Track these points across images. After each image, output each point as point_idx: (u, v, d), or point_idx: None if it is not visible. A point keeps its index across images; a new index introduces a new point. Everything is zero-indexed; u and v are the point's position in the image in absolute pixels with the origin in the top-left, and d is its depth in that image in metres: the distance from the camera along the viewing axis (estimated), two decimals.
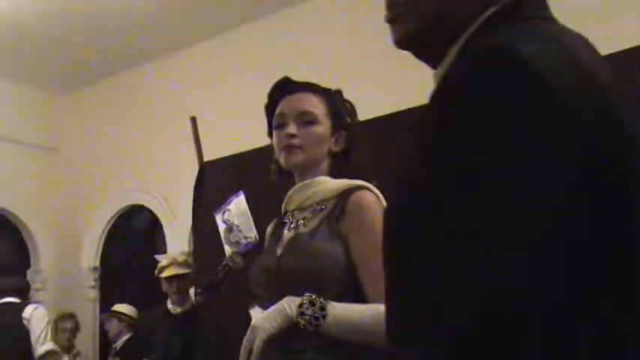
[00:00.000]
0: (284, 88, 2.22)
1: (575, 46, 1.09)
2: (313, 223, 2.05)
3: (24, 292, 5.04)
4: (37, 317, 4.78)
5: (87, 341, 6.36)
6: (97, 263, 6.66)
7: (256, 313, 2.00)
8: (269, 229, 2.30)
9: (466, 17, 1.18)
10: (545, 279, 0.98)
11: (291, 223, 2.14)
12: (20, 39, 5.74)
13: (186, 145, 4.93)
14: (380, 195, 2.07)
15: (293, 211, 2.16)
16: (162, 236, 6.29)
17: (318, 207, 2.08)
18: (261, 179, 4.65)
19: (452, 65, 1.17)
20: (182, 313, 4.83)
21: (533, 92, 0.97)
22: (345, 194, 2.04)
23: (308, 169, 2.12)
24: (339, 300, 1.89)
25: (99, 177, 6.57)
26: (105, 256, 6.69)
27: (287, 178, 2.22)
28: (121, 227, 6.67)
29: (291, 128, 2.11)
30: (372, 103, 4.16)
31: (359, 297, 1.93)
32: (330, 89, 2.24)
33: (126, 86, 6.42)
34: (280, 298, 1.91)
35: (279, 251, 2.07)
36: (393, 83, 4.36)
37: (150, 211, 6.39)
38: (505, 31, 1.10)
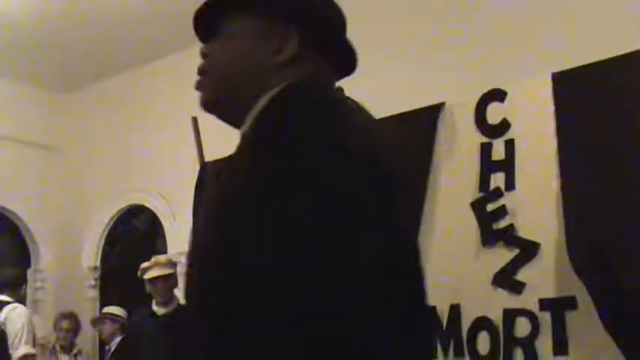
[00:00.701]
0: None
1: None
2: None
3: (15, 288, 4.89)
4: (12, 319, 4.56)
5: (87, 341, 6.35)
6: (98, 263, 6.66)
7: None
8: None
9: (253, 91, 1.39)
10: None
11: None
12: (21, 38, 5.74)
13: (187, 145, 4.94)
14: None
15: None
16: (163, 236, 6.29)
17: None
18: None
19: (256, 125, 1.35)
20: (167, 314, 4.77)
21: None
22: None
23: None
24: None
25: (99, 176, 6.57)
26: (105, 256, 6.69)
27: None
28: (122, 227, 6.67)
29: None
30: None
31: None
32: None
33: (127, 85, 6.42)
34: None
35: None
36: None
37: (150, 211, 6.39)
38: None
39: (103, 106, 6.67)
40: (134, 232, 6.65)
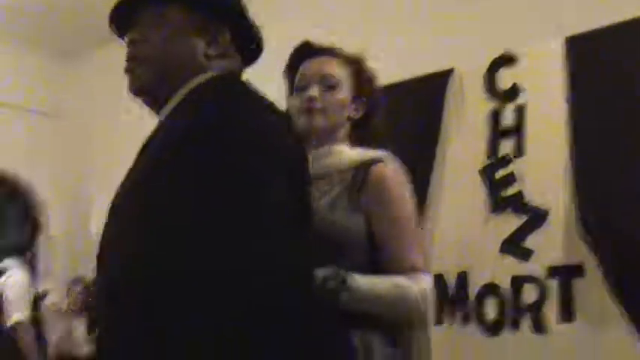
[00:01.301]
0: (305, 51, 2.22)
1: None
2: (332, 195, 2.02)
3: (22, 254, 4.84)
4: (9, 285, 4.36)
5: None
6: None
7: None
8: None
9: (182, 79, 1.55)
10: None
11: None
12: (23, 3, 5.70)
13: None
14: (398, 166, 2.10)
15: (314, 176, 2.12)
16: None
17: (337, 178, 2.05)
18: None
19: (178, 109, 1.52)
20: None
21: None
22: (364, 166, 2.03)
23: (326, 135, 2.10)
24: (360, 272, 1.89)
25: (107, 143, 6.55)
26: None
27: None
28: None
29: (314, 91, 2.09)
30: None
31: (378, 270, 1.94)
32: (353, 55, 2.24)
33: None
34: None
35: None
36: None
37: None
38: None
39: (108, 72, 6.62)
40: None
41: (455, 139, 3.94)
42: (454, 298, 3.80)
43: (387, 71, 4.14)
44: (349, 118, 2.16)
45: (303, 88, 2.12)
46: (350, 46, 4.47)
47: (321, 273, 1.81)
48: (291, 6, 4.87)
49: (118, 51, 6.39)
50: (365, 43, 4.33)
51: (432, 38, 4.07)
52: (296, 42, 2.30)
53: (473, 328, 3.71)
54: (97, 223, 6.58)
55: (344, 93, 2.13)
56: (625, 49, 3.42)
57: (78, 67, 6.80)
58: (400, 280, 1.90)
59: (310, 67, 2.17)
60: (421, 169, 3.96)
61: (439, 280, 3.84)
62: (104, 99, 6.62)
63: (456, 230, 3.85)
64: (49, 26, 6.15)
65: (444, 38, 4.02)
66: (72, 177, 6.79)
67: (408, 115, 4.04)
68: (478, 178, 3.80)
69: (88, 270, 6.23)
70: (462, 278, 3.79)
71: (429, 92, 4.02)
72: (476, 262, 3.76)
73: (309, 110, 2.09)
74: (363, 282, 1.86)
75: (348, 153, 2.10)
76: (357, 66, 2.21)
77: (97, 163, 6.60)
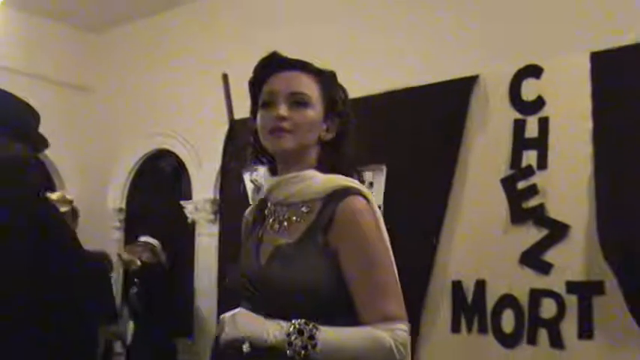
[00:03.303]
0: (273, 63, 2.00)
1: None
2: (299, 231, 1.87)
3: None
4: None
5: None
6: (123, 205, 6.73)
7: (242, 310, 1.84)
8: (248, 216, 2.11)
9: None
10: None
11: (273, 218, 1.95)
12: None
13: (217, 95, 4.90)
14: (370, 197, 1.90)
15: (275, 203, 1.96)
16: (188, 182, 6.32)
17: (303, 207, 1.90)
18: None
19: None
20: None
21: None
22: (332, 197, 1.86)
23: (295, 157, 1.92)
24: (332, 320, 1.76)
25: (128, 118, 6.57)
26: (131, 198, 6.74)
27: (266, 162, 2.02)
28: (148, 170, 6.70)
29: (282, 109, 1.89)
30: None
31: (353, 316, 1.80)
32: (325, 70, 2.02)
33: (160, 28, 6.35)
34: (264, 315, 1.78)
35: (262, 259, 1.90)
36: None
37: (176, 156, 6.40)
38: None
39: (136, 47, 6.61)
40: (160, 176, 6.68)
41: (477, 147, 3.93)
42: (471, 306, 3.84)
43: (413, 73, 4.17)
44: (320, 139, 1.96)
45: (270, 106, 1.92)
46: (376, 48, 4.45)
47: (285, 327, 1.72)
48: (319, 9, 4.83)
49: (148, 26, 6.39)
50: (393, 46, 4.38)
51: (459, 44, 4.05)
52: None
53: (490, 339, 3.75)
54: (113, 198, 6.64)
55: (315, 111, 1.93)
56: None
57: (109, 41, 6.78)
58: (373, 331, 1.75)
59: (279, 82, 1.95)
60: (442, 174, 3.98)
61: (457, 286, 3.88)
62: (129, 74, 6.61)
63: (475, 238, 3.87)
64: (80, 1, 6.12)
65: (471, 44, 4.00)
66: (91, 150, 6.81)
67: (431, 118, 4.04)
68: (499, 188, 3.81)
69: (102, 245, 6.28)
70: (480, 287, 3.82)
71: (453, 97, 4.00)
72: (494, 271, 3.78)
73: (276, 130, 1.89)
74: (333, 335, 1.73)
75: (316, 180, 1.91)
76: (328, 82, 2.00)
77: (120, 138, 6.62)
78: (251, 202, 4.50)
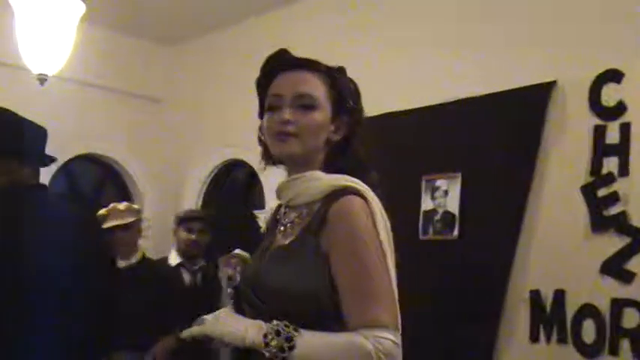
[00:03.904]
0: (279, 62, 1.96)
1: None
2: (295, 233, 1.85)
3: None
4: None
5: None
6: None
7: (225, 310, 1.88)
8: (269, 218, 2.10)
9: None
10: None
11: (281, 222, 1.93)
12: None
13: None
14: (371, 198, 1.82)
15: (286, 206, 1.94)
16: (261, 191, 6.36)
17: (305, 209, 1.86)
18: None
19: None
20: (128, 267, 4.44)
21: None
22: (329, 198, 1.80)
23: (303, 160, 1.88)
24: (324, 325, 1.71)
25: (202, 129, 6.65)
26: (205, 207, 6.82)
27: (276, 164, 2.01)
28: (221, 180, 6.76)
29: (287, 113, 1.84)
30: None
31: (343, 324, 1.73)
32: (332, 67, 1.97)
33: (231, 41, 6.42)
34: (259, 317, 1.77)
35: (262, 262, 1.89)
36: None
37: (249, 166, 6.45)
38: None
39: (208, 59, 6.69)
40: (233, 185, 6.74)
41: (555, 154, 3.86)
42: (550, 315, 3.77)
43: (489, 80, 4.12)
44: (328, 141, 1.90)
45: (276, 108, 1.87)
46: (451, 55, 4.42)
47: (265, 328, 1.70)
48: (391, 19, 4.82)
49: (220, 38, 6.50)
50: (469, 52, 4.33)
51: (536, 48, 3.98)
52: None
53: (570, 349, 3.67)
54: (188, 207, 6.72)
55: (322, 113, 1.87)
56: None
57: (181, 53, 6.88)
58: (354, 337, 1.67)
59: (284, 83, 1.90)
60: (519, 181, 3.92)
61: (536, 295, 3.81)
62: (202, 86, 6.69)
63: (554, 247, 3.80)
64: (155, 13, 6.23)
65: (549, 49, 3.93)
66: (167, 161, 6.91)
67: (508, 125, 4.00)
68: (579, 196, 3.73)
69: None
70: (560, 296, 3.74)
71: (530, 103, 3.95)
72: (574, 281, 3.71)
73: (281, 135, 1.84)
74: (312, 340, 1.68)
75: (320, 181, 1.85)
76: (337, 80, 1.94)
77: (194, 148, 6.70)
78: None
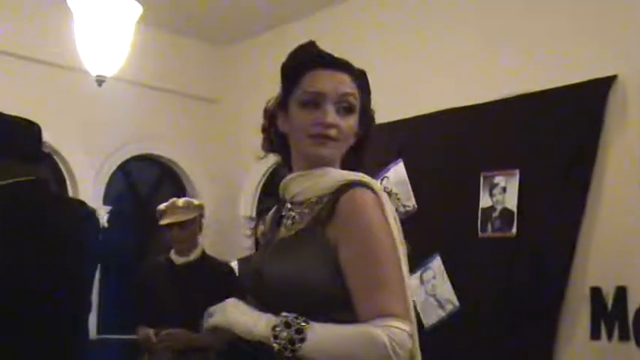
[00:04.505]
0: (317, 57, 1.90)
1: None
2: (302, 224, 1.81)
3: None
4: None
5: None
6: (254, 213, 6.85)
7: (233, 300, 1.81)
8: (269, 214, 2.04)
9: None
10: None
11: (287, 217, 1.89)
12: None
13: None
14: (381, 193, 1.79)
15: (290, 202, 1.90)
16: None
17: (313, 203, 1.82)
18: (421, 147, 4.68)
19: None
20: (186, 264, 4.36)
21: None
22: (339, 191, 1.76)
23: (327, 162, 1.83)
24: (331, 318, 1.67)
25: (258, 129, 6.67)
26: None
27: (277, 152, 2.00)
28: (277, 179, 6.79)
29: (332, 116, 1.79)
30: None
31: (353, 313, 1.69)
32: (361, 71, 1.91)
33: (286, 39, 6.44)
34: (266, 310, 1.72)
35: (267, 254, 1.85)
36: None
37: None
38: None
39: (265, 58, 6.72)
40: None
41: (616, 150, 3.81)
42: (611, 312, 3.72)
43: (549, 76, 4.08)
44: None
45: (315, 107, 1.81)
46: (508, 50, 4.38)
47: (274, 320, 1.66)
48: (456, 15, 4.80)
49: (276, 38, 6.53)
50: (525, 47, 4.30)
51: (596, 42, 3.92)
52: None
53: (631, 346, 3.62)
54: (244, 206, 6.77)
55: (356, 117, 1.84)
56: None
57: (237, 53, 6.93)
58: (367, 328, 1.63)
59: (327, 82, 1.82)
60: (579, 178, 3.87)
61: (596, 293, 3.77)
62: (258, 86, 6.72)
63: (615, 243, 3.75)
64: (210, 14, 6.29)
65: (609, 43, 3.87)
66: (222, 161, 6.97)
67: (567, 121, 3.95)
68: None
69: (233, 253, 6.42)
70: (621, 293, 3.69)
71: (590, 99, 3.89)
72: (636, 277, 3.65)
73: (322, 137, 1.79)
74: (323, 332, 1.64)
75: (329, 175, 1.81)
76: (364, 83, 1.89)
77: (249, 149, 6.74)
78: None
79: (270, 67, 6.77)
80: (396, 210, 4.55)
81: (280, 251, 1.80)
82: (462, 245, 4.28)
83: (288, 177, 1.89)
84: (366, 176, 1.80)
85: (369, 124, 1.90)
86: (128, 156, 6.45)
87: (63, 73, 5.78)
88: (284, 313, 1.65)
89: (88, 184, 6.15)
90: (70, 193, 6.05)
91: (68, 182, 6.11)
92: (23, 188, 2.63)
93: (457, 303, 4.25)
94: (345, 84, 1.82)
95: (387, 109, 4.63)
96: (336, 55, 1.89)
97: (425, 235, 4.23)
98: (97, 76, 4.96)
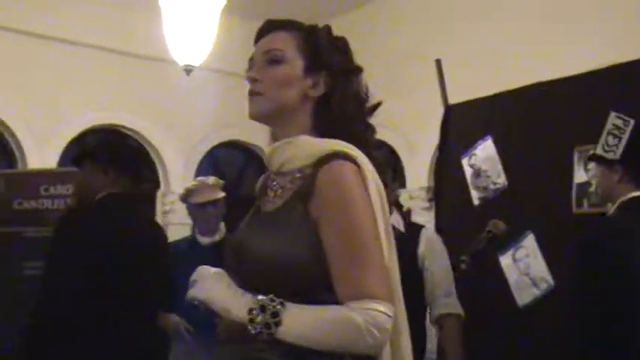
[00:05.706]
0: (262, 30, 1.89)
1: None
2: (283, 199, 1.75)
3: None
4: None
5: None
6: None
7: (221, 273, 1.78)
8: (258, 184, 1.96)
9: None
10: None
11: (270, 188, 1.84)
12: None
13: (429, 85, 4.91)
14: (363, 164, 1.73)
15: (276, 173, 1.84)
16: (401, 170, 6.38)
17: (296, 174, 1.76)
18: (509, 123, 4.61)
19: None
20: (212, 244, 4.27)
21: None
22: (318, 163, 1.70)
23: (279, 120, 1.82)
24: (312, 297, 1.64)
25: None
26: None
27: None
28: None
29: (252, 71, 1.81)
30: None
31: (335, 294, 1.65)
32: (313, 25, 1.88)
33: (367, 20, 6.44)
34: (246, 287, 1.69)
35: (248, 229, 1.82)
36: None
37: (389, 146, 6.47)
38: None
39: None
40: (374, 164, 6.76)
41: None
42: None
43: (598, 55, 3.96)
44: (306, 96, 1.80)
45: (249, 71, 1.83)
46: (601, 20, 4.27)
47: (250, 302, 1.63)
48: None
49: (355, 19, 6.51)
50: (618, 16, 4.19)
51: None
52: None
53: None
54: None
55: (289, 66, 1.78)
56: None
57: None
58: (342, 310, 1.60)
59: (256, 48, 1.85)
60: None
61: None
62: None
63: None
64: (291, 1, 6.32)
65: None
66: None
67: (617, 101, 3.82)
68: None
69: None
70: None
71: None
72: None
73: (249, 95, 1.80)
74: (300, 315, 1.61)
75: (308, 145, 1.76)
76: (312, 35, 1.84)
77: None
78: (470, 187, 4.49)
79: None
80: (486, 187, 4.49)
81: (260, 228, 1.77)
82: (556, 222, 4.19)
83: (267, 149, 1.86)
84: (349, 145, 1.74)
85: (331, 73, 1.82)
86: (216, 142, 6.56)
87: (152, 64, 5.91)
88: (260, 296, 1.63)
89: (178, 171, 6.28)
90: (162, 181, 6.20)
91: (159, 170, 6.26)
92: (137, 199, 3.54)
93: (552, 282, 4.17)
94: (273, 40, 1.82)
95: (471, 85, 4.64)
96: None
97: (516, 213, 4.17)
98: (185, 65, 5.06)
